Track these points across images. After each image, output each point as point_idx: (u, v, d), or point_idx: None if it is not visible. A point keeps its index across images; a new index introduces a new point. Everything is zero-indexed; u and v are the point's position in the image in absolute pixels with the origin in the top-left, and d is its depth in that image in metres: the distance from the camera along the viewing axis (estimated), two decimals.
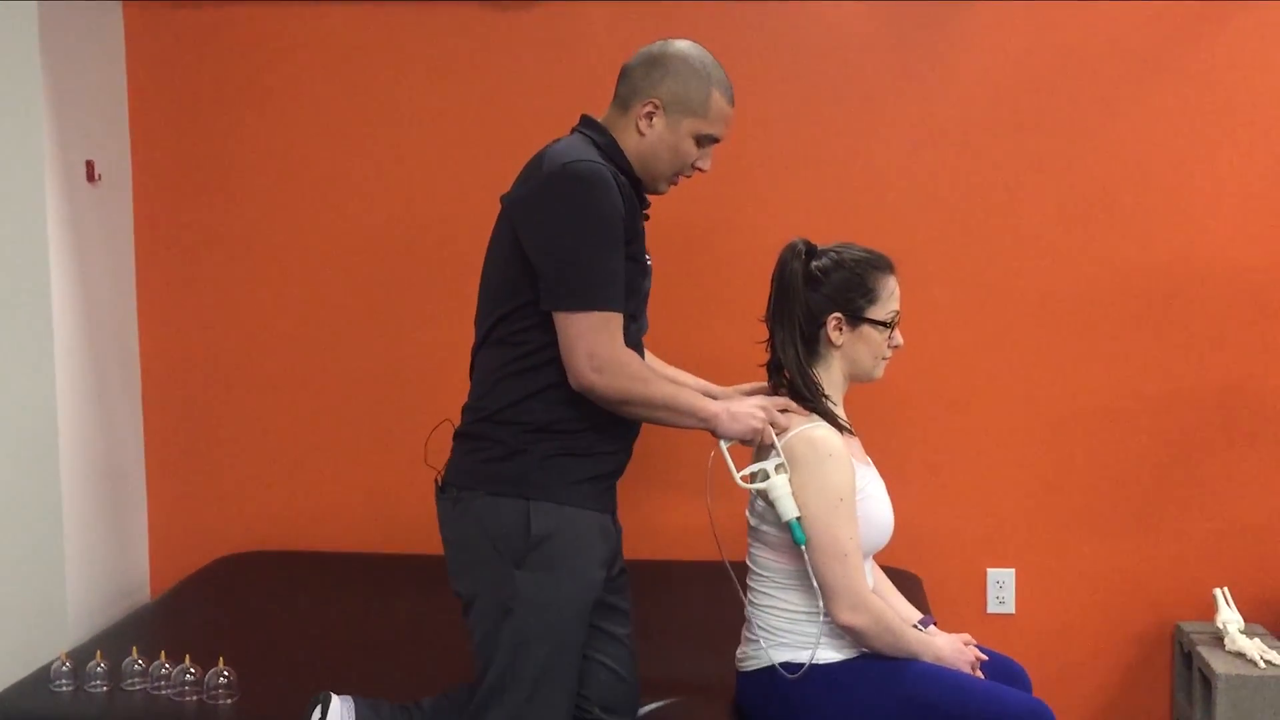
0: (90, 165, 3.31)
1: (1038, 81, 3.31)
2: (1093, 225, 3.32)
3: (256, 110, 3.49)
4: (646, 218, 2.30)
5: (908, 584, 2.96)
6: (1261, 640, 3.16)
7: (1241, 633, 3.15)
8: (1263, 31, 3.24)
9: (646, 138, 2.26)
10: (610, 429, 2.24)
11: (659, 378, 2.24)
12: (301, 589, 3.26)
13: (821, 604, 2.23)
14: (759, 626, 2.33)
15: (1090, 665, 3.43)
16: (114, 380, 3.46)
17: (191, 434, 3.58)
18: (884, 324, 2.33)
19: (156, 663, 2.60)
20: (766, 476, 2.23)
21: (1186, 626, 3.32)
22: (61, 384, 3.21)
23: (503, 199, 2.27)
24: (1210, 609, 3.29)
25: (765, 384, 2.43)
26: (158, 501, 3.61)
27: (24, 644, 3.16)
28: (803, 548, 2.21)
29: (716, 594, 2.32)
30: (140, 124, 3.51)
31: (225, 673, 2.54)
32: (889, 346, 2.36)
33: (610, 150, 2.24)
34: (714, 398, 2.38)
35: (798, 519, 2.20)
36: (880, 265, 2.34)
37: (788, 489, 2.21)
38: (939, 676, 2.26)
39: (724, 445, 2.26)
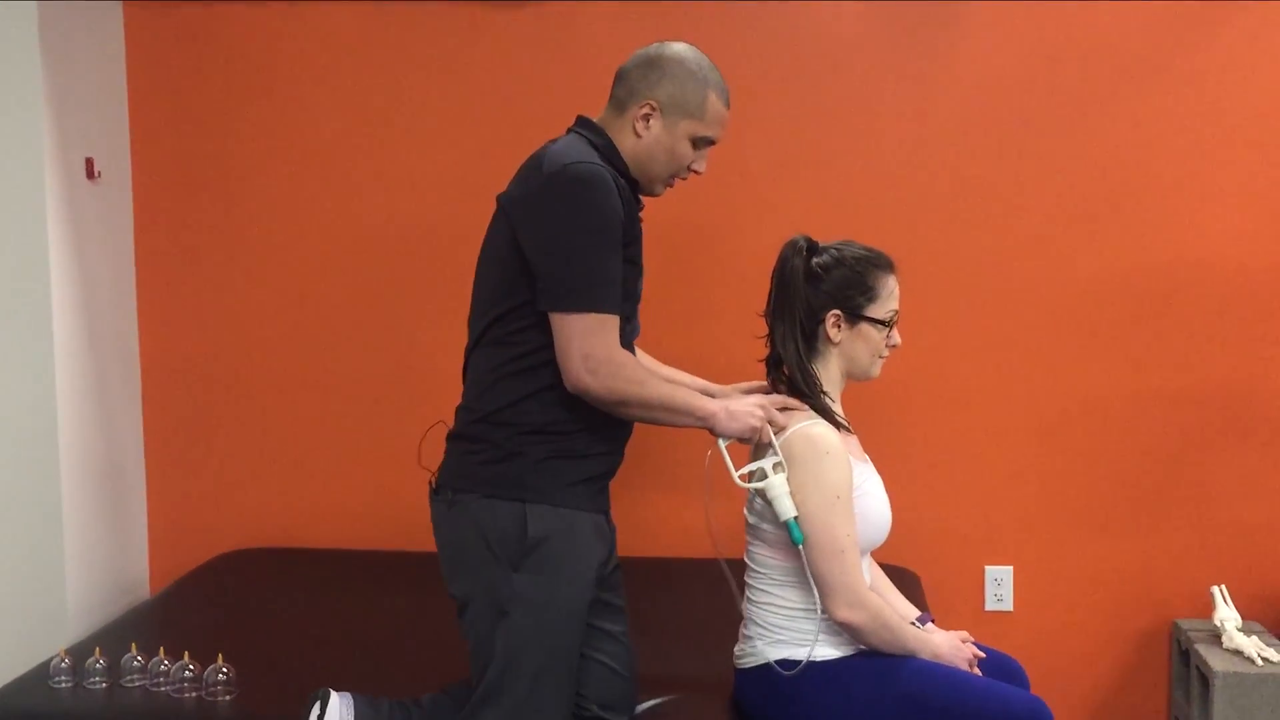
0: (90, 162, 3.32)
1: (1036, 81, 3.31)
2: (1091, 224, 3.33)
3: (255, 108, 3.49)
4: (639, 220, 2.30)
5: (906, 581, 2.97)
6: (1259, 638, 3.16)
7: (1239, 630, 3.15)
8: (1262, 31, 3.25)
9: (643, 139, 2.26)
10: (605, 430, 2.24)
11: (655, 378, 2.24)
12: (300, 586, 3.26)
13: (819, 601, 2.24)
14: (757, 624, 2.33)
15: (1088, 662, 3.44)
16: (113, 377, 3.46)
17: (191, 431, 3.59)
18: (883, 323, 2.33)
19: (155, 659, 2.60)
20: (764, 476, 2.23)
21: (1184, 624, 3.32)
22: (61, 380, 3.22)
23: (499, 198, 2.26)
24: (1208, 606, 3.30)
25: (764, 382, 2.43)
26: (157, 498, 3.61)
27: (23, 640, 3.17)
28: (800, 546, 2.22)
29: (715, 591, 2.33)
30: (140, 121, 3.52)
31: (224, 669, 2.54)
32: (887, 345, 2.36)
33: (608, 152, 2.24)
34: (712, 395, 2.39)
35: (795, 518, 2.21)
36: (881, 264, 2.35)
37: (785, 488, 2.22)
38: (936, 673, 2.26)
39: (722, 444, 2.26)
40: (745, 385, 2.48)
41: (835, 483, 2.23)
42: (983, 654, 2.37)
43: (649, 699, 2.46)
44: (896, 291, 2.35)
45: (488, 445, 2.20)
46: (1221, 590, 3.23)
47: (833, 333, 2.32)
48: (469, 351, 2.30)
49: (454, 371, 2.36)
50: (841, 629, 2.27)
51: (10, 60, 3.11)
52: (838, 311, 2.31)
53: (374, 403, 3.52)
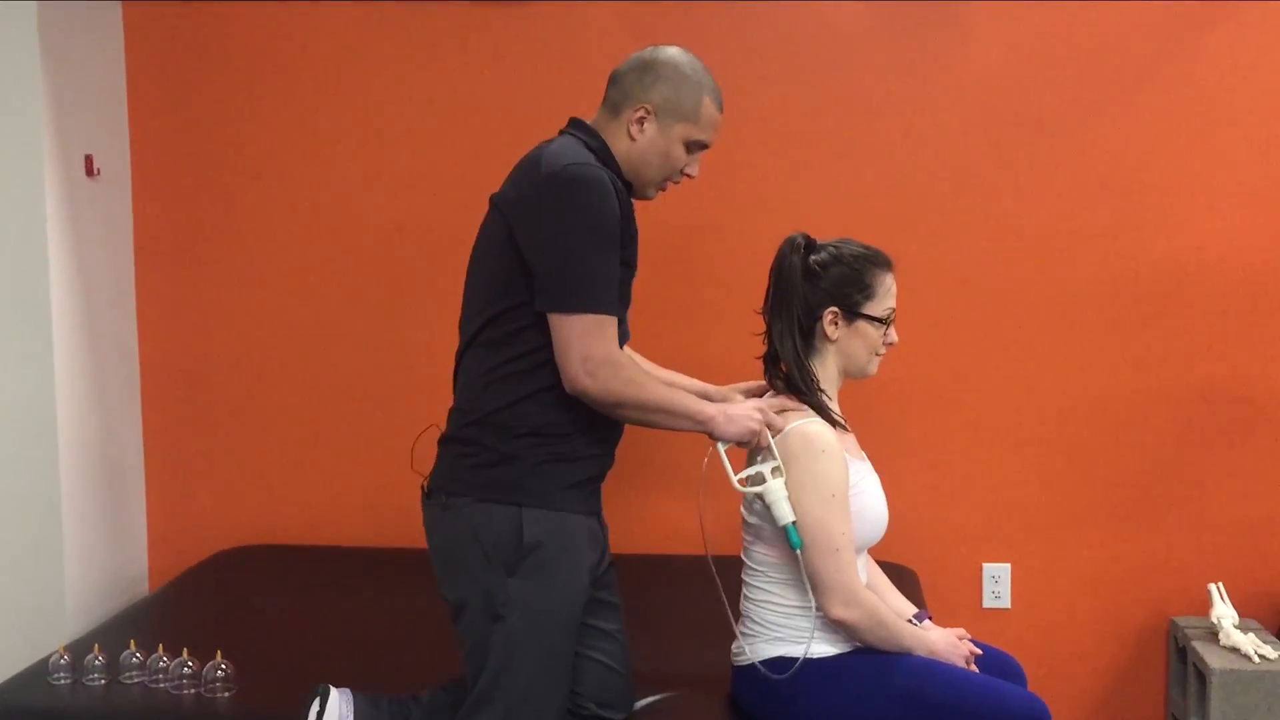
0: (89, 160, 3.32)
1: (1036, 80, 3.31)
2: (1089, 223, 3.33)
3: (255, 107, 3.49)
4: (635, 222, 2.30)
5: (904, 578, 2.97)
6: (1256, 635, 3.17)
7: (1236, 627, 3.16)
8: (1261, 31, 3.25)
9: (638, 142, 2.26)
10: (599, 432, 2.24)
11: (654, 381, 2.24)
12: (299, 583, 3.26)
13: (814, 600, 2.24)
14: (754, 621, 2.34)
15: (1085, 660, 3.44)
16: (113, 374, 3.47)
17: (190, 428, 3.59)
18: (880, 320, 2.33)
19: (154, 656, 2.60)
20: (763, 480, 2.23)
21: (1181, 621, 3.33)
22: (60, 377, 3.22)
23: (493, 199, 2.26)
24: (1205, 604, 3.30)
25: (762, 382, 2.43)
26: (156, 495, 3.62)
27: (22, 637, 3.17)
28: (798, 551, 2.22)
29: (712, 588, 2.33)
30: (139, 121, 3.52)
31: (223, 666, 2.55)
32: (884, 343, 2.36)
33: (602, 154, 2.23)
34: (710, 397, 2.39)
35: (793, 523, 2.21)
36: (878, 262, 2.35)
37: (784, 493, 2.22)
38: (933, 670, 2.26)
39: (721, 448, 2.26)
40: (743, 385, 2.48)
41: (832, 481, 2.23)
42: (980, 651, 2.38)
43: (647, 696, 2.47)
44: (894, 289, 2.36)
45: (482, 448, 2.20)
46: (1218, 588, 3.24)
47: (830, 330, 2.32)
48: (461, 353, 2.28)
49: (453, 370, 2.36)
50: (837, 627, 2.27)
51: (10, 59, 3.12)
52: (835, 309, 2.31)
53: (373, 400, 3.53)
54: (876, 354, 2.37)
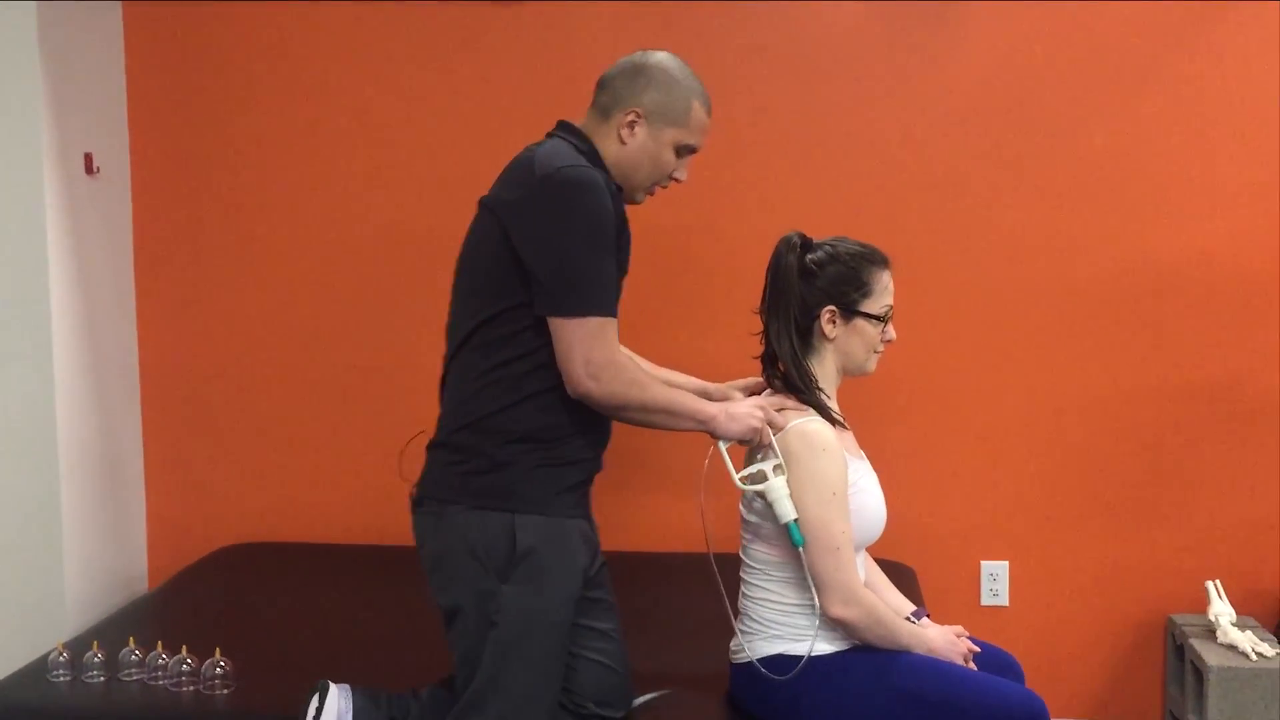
0: (89, 158, 3.32)
1: (1032, 79, 3.31)
2: (1087, 221, 3.33)
3: (254, 107, 3.49)
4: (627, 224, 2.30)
5: (902, 576, 2.97)
6: (1253, 633, 3.17)
7: (1233, 625, 3.16)
8: (1258, 30, 3.25)
9: (628, 146, 2.26)
10: (590, 434, 2.24)
11: (655, 382, 2.24)
12: (298, 580, 3.27)
13: (815, 597, 2.25)
14: (753, 619, 2.34)
15: (1083, 657, 3.45)
16: (112, 372, 3.47)
17: (189, 425, 3.60)
18: (877, 318, 2.34)
19: (153, 653, 2.60)
20: (765, 478, 2.24)
21: (1179, 619, 3.33)
22: (60, 375, 3.22)
23: (484, 201, 2.25)
24: (1202, 602, 3.30)
25: (760, 379, 2.43)
26: (156, 493, 3.62)
27: (21, 634, 3.17)
28: (800, 549, 2.22)
29: (710, 586, 2.33)
30: (139, 120, 3.52)
31: (222, 663, 2.55)
32: (882, 341, 2.36)
33: (592, 157, 2.23)
34: (710, 395, 2.39)
35: (795, 520, 2.21)
36: (875, 259, 2.35)
37: (785, 490, 2.22)
38: (931, 668, 2.26)
39: (722, 446, 2.27)
40: (742, 382, 2.48)
41: (831, 479, 2.24)
42: (978, 649, 2.38)
43: (645, 694, 2.47)
44: (891, 287, 2.36)
45: (475, 455, 2.19)
46: (1216, 585, 3.24)
47: (828, 329, 2.33)
48: (450, 358, 2.27)
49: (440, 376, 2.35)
50: (835, 625, 2.27)
51: (10, 59, 3.12)
52: (832, 307, 2.32)
53: (370, 398, 3.53)
54: (875, 351, 2.37)
